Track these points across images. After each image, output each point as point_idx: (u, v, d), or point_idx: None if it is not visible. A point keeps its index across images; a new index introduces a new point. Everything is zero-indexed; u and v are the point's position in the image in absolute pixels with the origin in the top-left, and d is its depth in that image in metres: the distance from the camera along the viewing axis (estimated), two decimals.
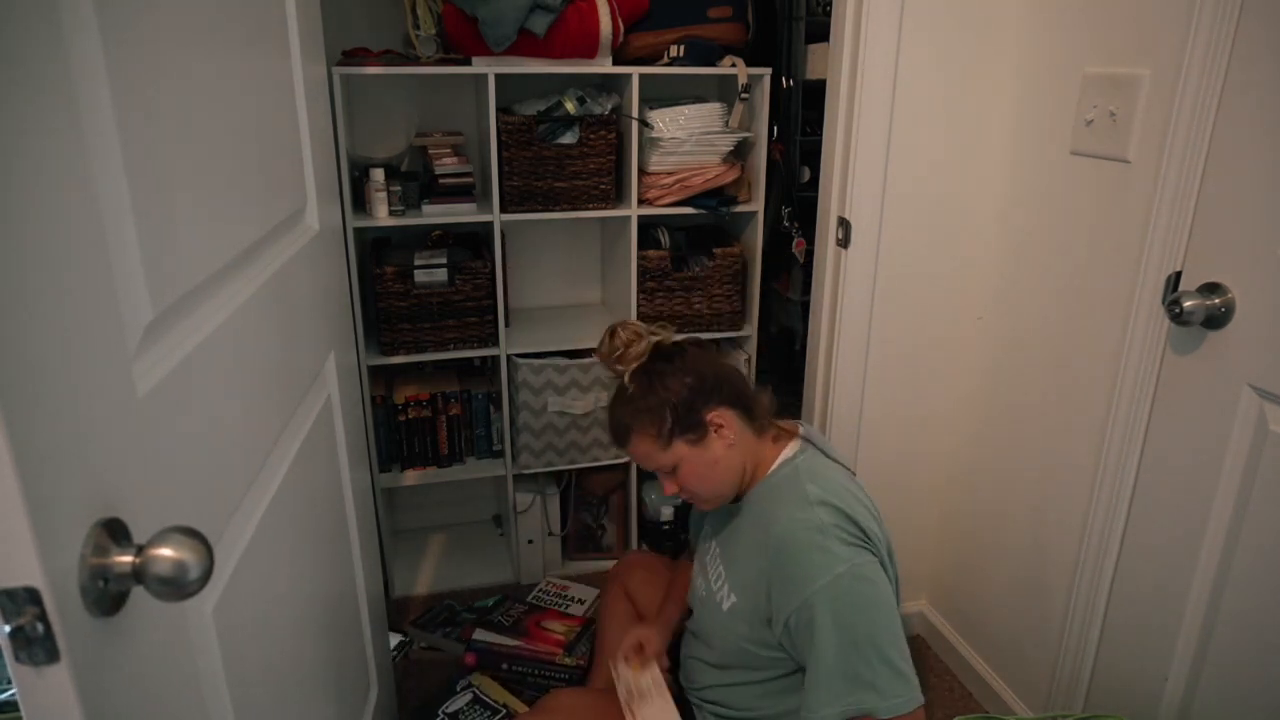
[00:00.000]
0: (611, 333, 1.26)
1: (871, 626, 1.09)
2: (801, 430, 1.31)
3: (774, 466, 1.26)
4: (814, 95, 1.82)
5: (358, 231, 1.86)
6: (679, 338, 1.29)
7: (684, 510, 2.16)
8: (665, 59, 1.93)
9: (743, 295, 2.13)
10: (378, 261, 1.91)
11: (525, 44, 1.77)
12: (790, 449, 1.27)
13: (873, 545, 1.15)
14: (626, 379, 1.24)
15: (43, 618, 0.47)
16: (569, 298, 2.34)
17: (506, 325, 2.00)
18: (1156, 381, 1.31)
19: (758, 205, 2.04)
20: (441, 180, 1.91)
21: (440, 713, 1.70)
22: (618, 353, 1.24)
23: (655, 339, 1.25)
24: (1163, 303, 1.27)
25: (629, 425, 1.23)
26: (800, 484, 1.20)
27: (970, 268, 1.70)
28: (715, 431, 1.21)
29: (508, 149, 1.86)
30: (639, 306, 2.04)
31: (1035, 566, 1.61)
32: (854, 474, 1.29)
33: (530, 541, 2.17)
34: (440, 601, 2.10)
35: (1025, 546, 1.63)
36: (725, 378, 1.25)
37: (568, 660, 1.84)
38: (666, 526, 2.22)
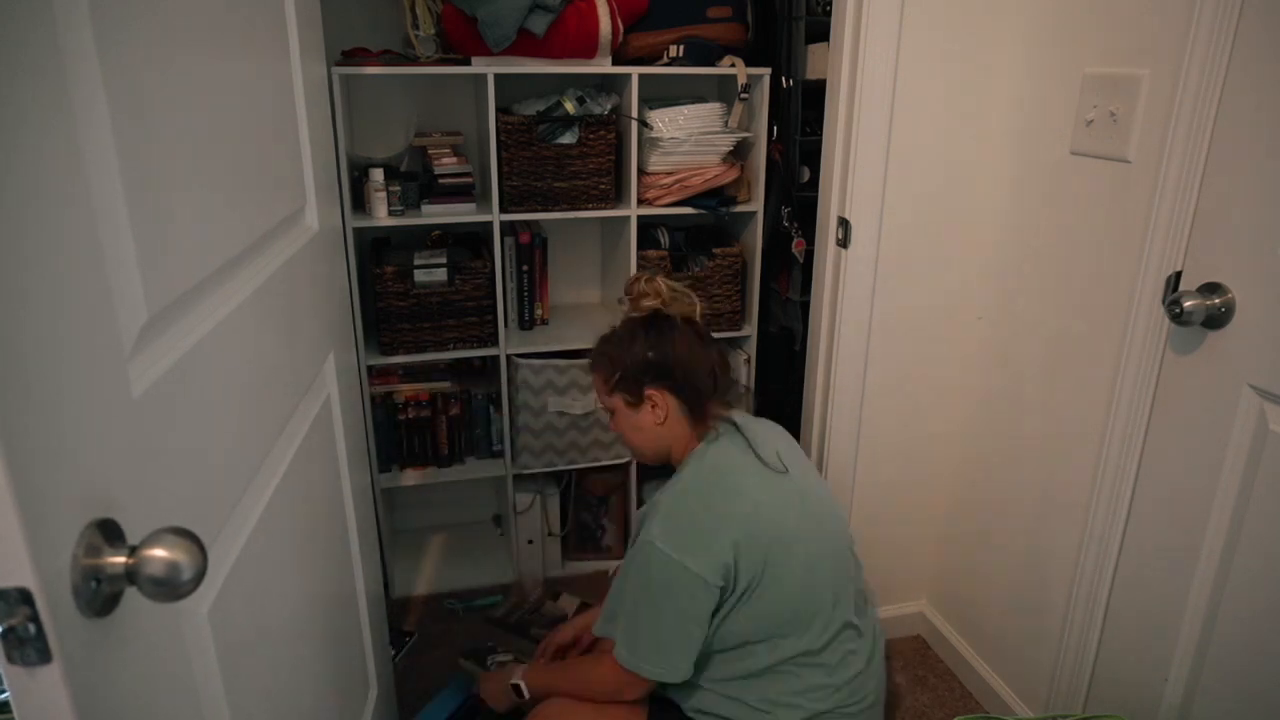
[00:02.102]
0: (636, 279, 1.36)
1: (639, 590, 1.22)
2: (736, 419, 1.35)
3: (687, 455, 1.33)
4: (814, 95, 1.81)
5: (357, 231, 1.86)
6: (690, 312, 1.35)
7: None
8: (665, 59, 1.93)
9: (742, 295, 2.13)
10: (377, 261, 1.91)
11: (525, 44, 1.77)
12: (703, 442, 1.33)
13: (704, 553, 1.18)
14: (620, 320, 1.37)
15: (35, 618, 0.47)
16: (568, 298, 2.34)
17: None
18: (1156, 381, 1.31)
19: (757, 205, 2.04)
20: (441, 180, 1.91)
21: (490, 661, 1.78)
22: (630, 298, 1.36)
23: (656, 302, 1.33)
24: (1163, 303, 1.27)
25: (593, 359, 1.38)
26: (685, 473, 1.29)
27: (970, 268, 1.70)
28: (650, 404, 1.31)
29: (507, 149, 1.86)
30: None
31: (1035, 566, 1.60)
32: (784, 470, 1.29)
33: (530, 542, 2.17)
34: (441, 601, 2.10)
35: (1025, 546, 1.63)
36: (686, 366, 1.30)
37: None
38: None
